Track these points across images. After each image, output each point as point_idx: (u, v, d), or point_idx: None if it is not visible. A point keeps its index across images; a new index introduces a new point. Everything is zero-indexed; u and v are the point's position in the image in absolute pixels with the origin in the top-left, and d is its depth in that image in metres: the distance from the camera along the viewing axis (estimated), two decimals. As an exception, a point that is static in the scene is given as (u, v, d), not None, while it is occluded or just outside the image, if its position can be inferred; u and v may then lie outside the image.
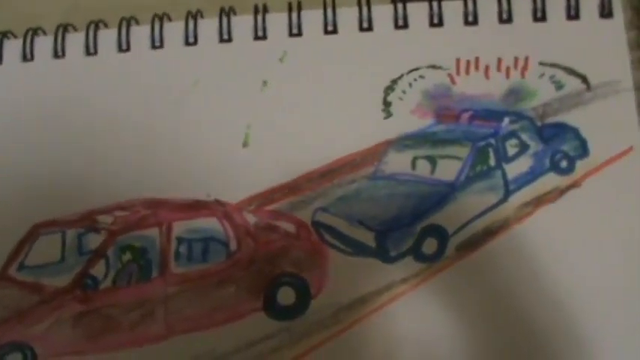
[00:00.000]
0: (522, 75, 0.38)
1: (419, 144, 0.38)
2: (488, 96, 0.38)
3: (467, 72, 0.38)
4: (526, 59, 0.38)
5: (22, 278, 0.37)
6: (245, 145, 0.38)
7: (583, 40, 0.38)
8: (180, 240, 0.37)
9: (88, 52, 0.40)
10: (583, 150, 0.37)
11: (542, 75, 0.38)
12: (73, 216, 0.38)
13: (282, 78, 0.39)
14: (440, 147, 0.38)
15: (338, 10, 0.39)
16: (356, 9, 0.39)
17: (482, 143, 0.38)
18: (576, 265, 0.35)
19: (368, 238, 0.37)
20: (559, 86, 0.38)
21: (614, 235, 0.36)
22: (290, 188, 0.37)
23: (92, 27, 0.41)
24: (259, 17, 0.40)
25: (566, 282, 0.35)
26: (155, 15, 0.40)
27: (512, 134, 0.38)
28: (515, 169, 0.38)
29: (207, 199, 0.37)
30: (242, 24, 0.40)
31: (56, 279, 0.36)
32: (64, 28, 0.41)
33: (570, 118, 0.38)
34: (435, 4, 0.39)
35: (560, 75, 0.38)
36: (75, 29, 0.41)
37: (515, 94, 0.38)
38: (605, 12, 0.39)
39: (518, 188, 0.37)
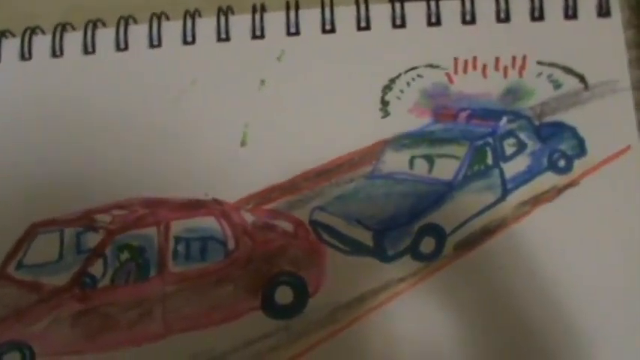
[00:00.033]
0: (520, 74, 0.38)
1: (416, 143, 0.38)
2: (485, 95, 0.38)
3: (465, 71, 0.38)
4: (524, 58, 0.38)
5: (20, 277, 0.37)
6: (243, 144, 0.38)
7: (581, 39, 0.38)
8: (178, 239, 0.37)
9: (86, 51, 0.40)
10: (581, 149, 0.37)
11: (539, 74, 0.38)
12: (72, 215, 0.38)
13: (280, 77, 0.39)
14: (437, 146, 0.38)
15: (336, 9, 0.39)
16: (354, 8, 0.39)
17: (480, 142, 0.38)
18: (574, 264, 0.36)
19: (366, 237, 0.37)
20: (557, 85, 0.38)
21: (611, 234, 0.36)
22: (288, 187, 0.37)
23: (90, 26, 0.41)
24: (257, 16, 0.40)
25: (563, 281, 0.35)
26: (153, 14, 0.40)
27: (510, 133, 0.38)
28: (513, 168, 0.38)
29: (205, 198, 0.38)
30: (240, 23, 0.40)
31: (54, 278, 0.36)
32: (63, 28, 0.41)
33: (568, 117, 0.38)
34: (432, 4, 0.39)
35: (558, 74, 0.38)
36: (73, 28, 0.41)
37: (513, 93, 0.38)
38: (603, 11, 0.39)
39: (516, 187, 0.37)
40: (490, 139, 0.38)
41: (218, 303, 0.36)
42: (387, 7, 0.39)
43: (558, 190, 0.37)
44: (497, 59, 0.38)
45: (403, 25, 0.39)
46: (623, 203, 0.36)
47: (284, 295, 0.36)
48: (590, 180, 0.37)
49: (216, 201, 0.37)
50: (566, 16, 0.39)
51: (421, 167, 0.38)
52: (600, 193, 0.36)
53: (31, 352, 0.35)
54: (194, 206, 0.37)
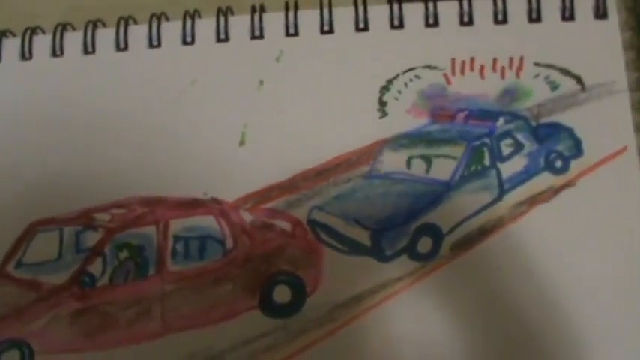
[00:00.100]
0: (517, 75, 0.38)
1: (414, 143, 0.38)
2: (483, 96, 0.38)
3: (462, 72, 0.39)
4: (521, 59, 0.38)
5: (19, 275, 0.37)
6: (242, 144, 0.38)
7: (578, 41, 0.39)
8: (176, 238, 0.37)
9: (86, 51, 0.41)
10: (577, 150, 0.37)
11: (537, 75, 0.38)
12: (71, 214, 0.38)
13: (279, 77, 0.39)
14: (435, 146, 0.38)
15: (334, 11, 0.40)
16: (352, 9, 0.40)
17: (477, 143, 0.38)
18: (570, 264, 0.36)
19: (363, 236, 0.37)
20: (554, 87, 0.38)
21: (608, 235, 0.36)
22: (286, 187, 0.38)
23: (90, 26, 0.41)
24: (256, 17, 0.40)
25: (560, 281, 0.35)
26: (153, 14, 0.41)
27: (507, 134, 0.38)
28: (510, 168, 0.38)
29: (203, 197, 0.38)
30: (239, 24, 0.40)
31: (54, 276, 0.36)
32: (63, 28, 0.41)
33: (565, 118, 0.38)
34: (430, 5, 0.39)
35: (555, 75, 0.38)
36: (73, 28, 0.41)
37: (510, 94, 0.38)
38: (600, 13, 0.39)
39: (513, 188, 0.37)
40: (487, 140, 0.38)
41: (216, 302, 0.36)
42: (385, 9, 0.40)
43: (555, 191, 0.37)
44: (494, 60, 0.39)
45: (401, 26, 0.39)
46: (620, 204, 0.36)
47: (282, 294, 0.37)
48: (587, 181, 0.37)
49: (214, 200, 0.38)
50: (564, 18, 0.39)
51: (419, 167, 0.38)
52: (597, 193, 0.37)
53: (30, 350, 0.35)
54: (193, 205, 0.38)
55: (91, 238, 0.37)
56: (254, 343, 0.36)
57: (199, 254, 0.37)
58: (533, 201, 0.37)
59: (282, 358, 0.35)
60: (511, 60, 0.39)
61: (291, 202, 0.38)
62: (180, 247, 0.37)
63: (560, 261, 0.36)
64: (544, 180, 0.37)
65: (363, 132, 0.38)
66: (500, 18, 0.39)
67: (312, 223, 0.37)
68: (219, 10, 0.40)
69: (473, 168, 0.38)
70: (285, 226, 0.38)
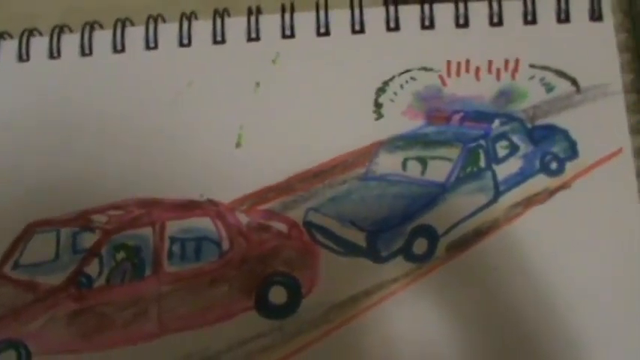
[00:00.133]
0: (513, 77, 0.39)
1: (410, 145, 0.38)
2: (478, 98, 0.39)
3: (458, 74, 0.39)
4: (516, 61, 0.39)
5: (16, 276, 0.37)
6: (238, 145, 0.39)
7: (573, 43, 0.39)
8: (173, 239, 0.37)
9: (83, 53, 0.41)
10: (573, 152, 0.38)
11: (532, 77, 0.38)
12: (68, 215, 0.38)
13: (275, 79, 0.39)
14: (431, 148, 0.38)
15: (330, 13, 0.40)
16: (348, 11, 0.40)
17: (473, 144, 0.38)
18: (566, 266, 0.36)
19: (359, 238, 0.37)
20: (549, 88, 0.38)
21: (603, 236, 0.36)
22: (282, 188, 0.38)
23: (87, 28, 0.41)
24: (252, 19, 0.40)
25: (555, 282, 0.36)
26: (150, 16, 0.41)
27: (503, 136, 0.38)
28: (506, 170, 0.38)
29: (200, 199, 0.38)
30: (235, 25, 0.40)
31: (51, 277, 0.36)
32: (60, 29, 0.41)
33: (560, 120, 0.38)
34: (426, 7, 0.39)
35: (551, 77, 0.38)
36: (70, 30, 0.41)
37: (506, 96, 0.38)
38: (595, 15, 0.39)
39: (508, 189, 0.37)
40: (483, 142, 0.38)
41: (212, 303, 0.36)
42: (381, 11, 0.40)
43: (550, 192, 0.37)
44: (490, 62, 0.39)
45: (397, 28, 0.40)
46: (615, 205, 0.36)
47: (278, 295, 0.37)
48: (582, 182, 0.37)
49: (211, 202, 0.38)
50: (559, 20, 0.39)
51: (414, 169, 0.38)
52: (592, 195, 0.37)
53: (26, 351, 0.35)
54: (189, 207, 0.38)
55: (88, 240, 0.37)
56: (250, 344, 0.36)
57: (196, 255, 0.37)
58: (528, 202, 0.37)
59: (278, 359, 0.35)
60: (506, 62, 0.39)
61: (287, 203, 0.38)
62: (176, 248, 0.37)
63: (556, 262, 0.36)
64: (539, 181, 0.37)
65: (358, 134, 0.38)
66: (496, 20, 0.39)
67: (308, 225, 0.37)
68: (215, 12, 0.40)
69: (468, 169, 0.38)
70: (281, 227, 0.38)
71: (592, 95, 0.38)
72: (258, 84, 0.39)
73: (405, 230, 0.37)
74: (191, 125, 0.39)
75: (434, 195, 0.37)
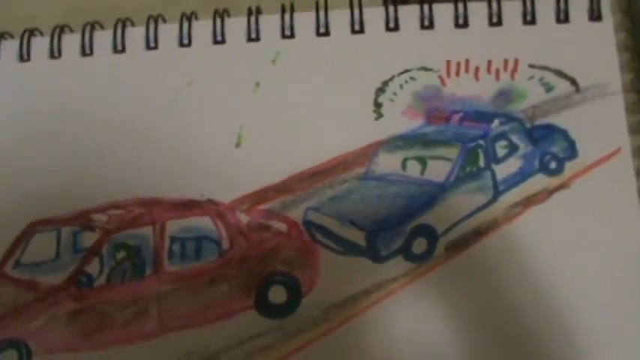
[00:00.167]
0: (512, 77, 0.39)
1: (409, 145, 0.38)
2: (478, 98, 0.39)
3: (457, 74, 0.39)
4: (516, 61, 0.39)
5: (17, 276, 0.37)
6: (238, 145, 0.39)
7: (572, 42, 0.39)
8: (173, 239, 0.37)
9: (83, 53, 0.41)
10: (572, 151, 0.38)
11: (531, 77, 0.39)
12: (69, 214, 0.38)
13: (275, 79, 0.39)
14: (430, 148, 0.38)
15: (330, 13, 0.40)
16: (348, 12, 0.40)
17: (472, 144, 0.38)
18: (565, 265, 0.36)
19: (359, 237, 0.37)
20: (548, 88, 0.38)
21: (602, 236, 0.36)
22: (282, 188, 0.38)
23: (88, 28, 0.41)
24: (252, 19, 0.40)
25: (554, 281, 0.36)
26: (150, 17, 0.41)
27: (502, 135, 0.38)
28: (505, 170, 0.38)
29: (200, 198, 0.38)
30: (235, 26, 0.40)
31: (51, 276, 0.37)
32: (61, 29, 0.41)
33: (559, 119, 0.38)
34: (425, 7, 0.39)
35: (550, 77, 0.38)
36: (71, 30, 0.41)
37: (505, 95, 0.39)
38: (595, 15, 0.39)
39: (508, 189, 0.37)
40: (482, 141, 0.38)
41: (212, 302, 0.37)
42: (380, 11, 0.40)
43: (549, 192, 0.37)
44: (489, 62, 0.39)
45: (396, 28, 0.40)
46: (613, 205, 0.36)
47: (278, 294, 0.37)
48: (581, 182, 0.37)
49: (211, 201, 0.38)
50: (558, 20, 0.39)
51: (414, 169, 0.38)
52: (591, 194, 0.37)
53: (27, 350, 0.35)
54: (189, 206, 0.38)
55: (89, 239, 0.37)
56: (250, 343, 0.36)
57: (196, 255, 0.37)
58: (527, 202, 0.37)
59: (278, 358, 0.36)
60: (506, 62, 0.39)
61: (287, 203, 0.38)
62: (176, 247, 0.37)
63: (555, 262, 0.36)
64: (538, 181, 0.38)
65: (358, 133, 0.38)
66: (495, 20, 0.39)
67: (308, 224, 0.37)
68: (215, 12, 0.41)
69: (468, 169, 0.38)
70: (281, 227, 0.38)
71: (591, 95, 0.38)
72: (258, 84, 0.39)
73: (405, 230, 0.37)
74: (191, 125, 0.39)
75: (433, 195, 0.37)
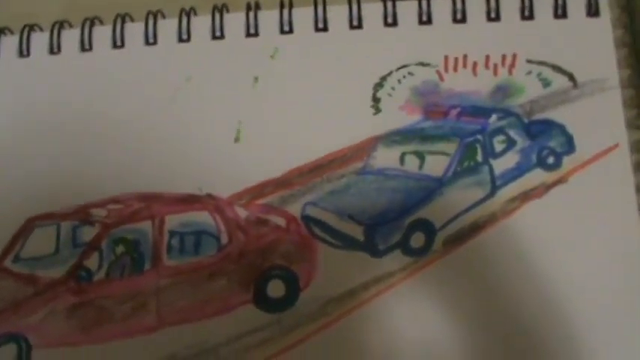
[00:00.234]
0: (510, 72, 0.39)
1: (407, 140, 0.38)
2: (476, 93, 0.39)
3: (455, 69, 0.39)
4: (514, 57, 0.39)
5: (17, 270, 0.37)
6: (236, 140, 0.39)
7: (570, 38, 0.39)
8: (172, 233, 0.37)
9: (83, 48, 0.41)
10: (569, 146, 0.38)
11: (529, 72, 0.39)
12: (68, 209, 0.38)
13: (273, 74, 0.39)
14: (428, 143, 0.38)
15: (328, 8, 0.40)
16: (346, 7, 0.40)
17: (470, 139, 0.38)
18: (562, 260, 0.36)
19: (357, 232, 0.37)
20: (546, 83, 0.38)
21: (599, 231, 0.36)
22: (280, 183, 0.38)
23: (87, 24, 0.41)
24: (251, 14, 0.40)
25: (552, 276, 0.36)
26: (149, 12, 0.41)
27: (500, 130, 0.38)
28: (503, 164, 0.38)
29: (199, 193, 0.38)
30: (234, 21, 0.40)
31: (51, 271, 0.37)
32: (60, 25, 0.41)
33: (557, 114, 0.38)
34: (424, 3, 0.39)
35: (548, 72, 0.38)
36: (71, 26, 0.42)
37: (503, 90, 0.39)
38: (592, 10, 0.39)
39: (505, 183, 0.38)
40: (480, 136, 0.38)
41: (211, 296, 0.37)
42: (378, 6, 0.40)
43: (547, 187, 0.37)
44: (487, 57, 0.39)
45: (395, 23, 0.40)
46: (611, 200, 0.36)
47: (276, 288, 0.37)
48: (579, 177, 0.37)
49: (210, 196, 0.38)
50: (556, 16, 0.39)
51: (412, 163, 0.38)
52: (588, 189, 0.37)
53: (27, 344, 0.36)
54: (188, 201, 0.38)
55: (88, 233, 0.37)
56: (248, 337, 0.36)
57: (194, 249, 0.37)
58: (525, 197, 0.37)
59: (276, 352, 0.36)
60: (504, 57, 0.39)
61: (286, 197, 0.38)
62: (175, 242, 0.37)
63: (552, 257, 0.36)
64: (536, 176, 0.38)
65: (356, 128, 0.38)
66: (493, 15, 0.39)
67: (306, 219, 0.38)
68: (214, 8, 0.41)
69: (465, 164, 0.38)
70: (280, 221, 0.38)
71: (589, 90, 0.38)
72: (256, 79, 0.39)
73: (403, 224, 0.37)
74: (190, 120, 0.39)
75: (431, 189, 0.37)
